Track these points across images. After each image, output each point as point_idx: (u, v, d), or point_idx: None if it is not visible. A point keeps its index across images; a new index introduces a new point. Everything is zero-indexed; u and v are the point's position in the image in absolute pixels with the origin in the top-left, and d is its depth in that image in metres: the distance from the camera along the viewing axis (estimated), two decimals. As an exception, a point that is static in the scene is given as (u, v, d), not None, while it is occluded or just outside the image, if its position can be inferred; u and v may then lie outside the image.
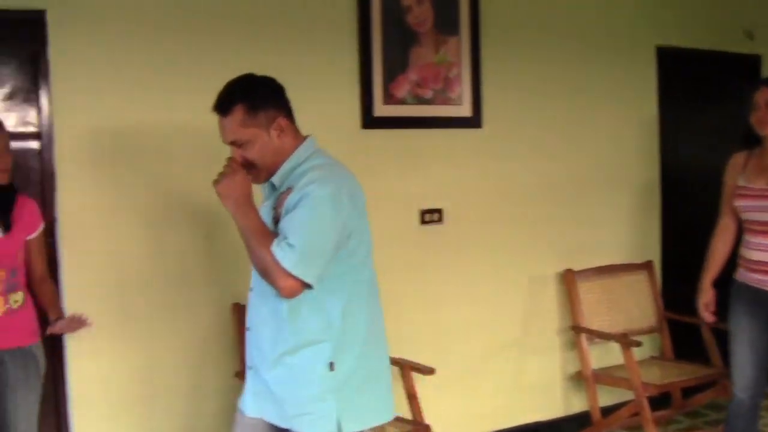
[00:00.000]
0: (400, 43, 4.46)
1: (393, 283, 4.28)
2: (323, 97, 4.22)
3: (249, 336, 2.75)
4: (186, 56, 3.92)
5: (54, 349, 3.70)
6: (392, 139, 4.48)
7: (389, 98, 4.43)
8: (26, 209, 3.31)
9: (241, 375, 4.01)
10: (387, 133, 4.45)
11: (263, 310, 2.68)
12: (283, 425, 2.66)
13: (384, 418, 2.75)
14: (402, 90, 4.47)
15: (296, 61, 4.14)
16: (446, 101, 4.60)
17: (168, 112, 3.88)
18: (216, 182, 2.65)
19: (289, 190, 2.58)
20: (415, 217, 4.57)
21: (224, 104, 2.60)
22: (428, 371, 4.16)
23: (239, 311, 3.99)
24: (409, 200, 4.54)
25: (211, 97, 3.75)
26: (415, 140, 4.54)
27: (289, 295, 2.53)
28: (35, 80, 3.69)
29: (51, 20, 3.65)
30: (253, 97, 2.61)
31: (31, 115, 3.71)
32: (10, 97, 3.67)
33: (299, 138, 2.69)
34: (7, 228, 3.20)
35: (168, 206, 3.90)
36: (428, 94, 4.54)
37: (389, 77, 4.43)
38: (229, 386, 4.04)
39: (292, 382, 2.62)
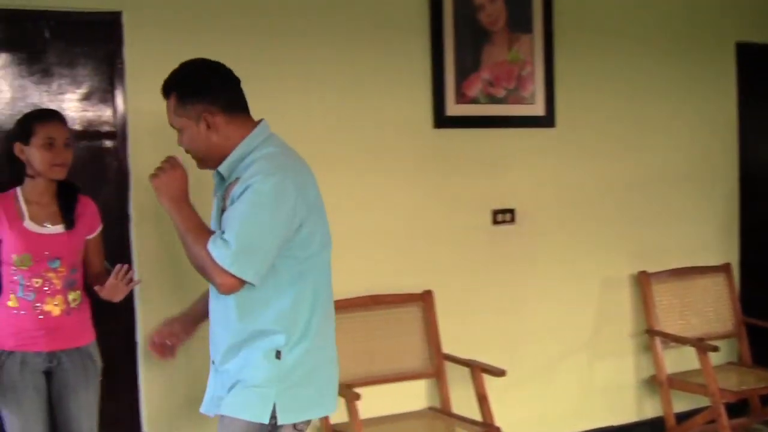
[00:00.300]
0: (473, 41, 4.41)
1: (464, 283, 4.41)
2: (395, 97, 4.21)
3: (210, 331, 2.71)
4: (259, 57, 3.91)
5: (127, 347, 3.74)
6: (464, 138, 4.42)
7: (461, 97, 4.38)
8: (87, 209, 3.32)
9: None
10: (459, 133, 4.40)
11: (216, 306, 2.63)
12: (221, 411, 2.58)
13: (322, 412, 2.69)
14: (474, 89, 4.42)
15: (368, 61, 4.15)
16: (519, 100, 4.53)
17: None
18: (152, 176, 2.61)
19: (237, 180, 2.50)
20: (487, 218, 4.51)
21: (163, 89, 2.57)
22: (499, 373, 4.10)
23: None
24: (481, 200, 4.48)
25: (287, 99, 3.94)
26: (487, 140, 4.48)
27: (226, 292, 2.45)
28: (111, 80, 3.73)
29: (127, 21, 3.68)
30: (184, 88, 2.54)
31: (107, 114, 3.73)
32: (86, 97, 3.71)
33: (247, 127, 2.57)
34: (71, 225, 3.20)
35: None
36: (501, 93, 4.48)
37: (461, 76, 4.37)
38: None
39: (240, 370, 2.54)
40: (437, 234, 4.36)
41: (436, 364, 4.26)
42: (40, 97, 3.62)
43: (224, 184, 2.56)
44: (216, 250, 2.40)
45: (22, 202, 3.17)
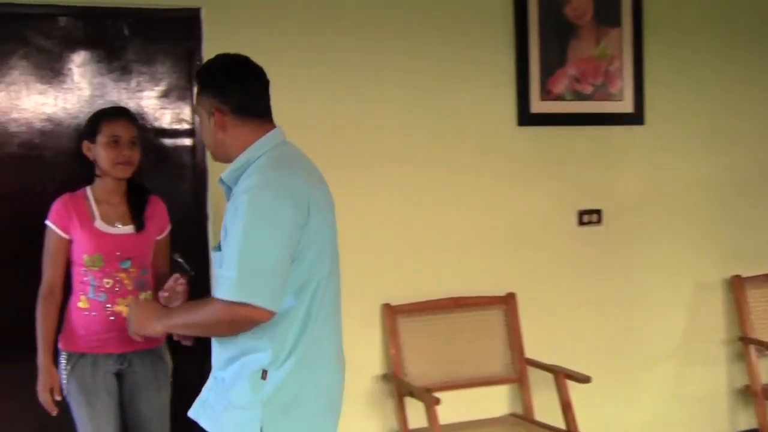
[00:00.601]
0: (558, 36, 4.28)
1: (548, 285, 4.30)
2: (478, 94, 4.12)
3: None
4: (342, 54, 3.87)
5: (199, 348, 3.64)
6: (549, 136, 4.30)
7: (546, 94, 4.25)
8: (157, 209, 3.29)
9: (388, 378, 3.96)
10: (543, 131, 4.27)
11: None
12: (207, 426, 2.44)
13: None
14: (560, 85, 4.28)
15: (449, 56, 4.06)
16: (606, 97, 4.38)
17: (325, 109, 3.83)
18: (129, 328, 2.54)
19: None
20: (573, 219, 4.37)
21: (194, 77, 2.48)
22: (584, 379, 3.97)
23: (389, 312, 3.93)
24: (566, 200, 4.35)
25: (370, 96, 3.88)
26: (573, 138, 4.34)
27: (248, 326, 2.27)
28: (189, 77, 3.69)
29: (206, 18, 3.64)
30: (203, 79, 2.48)
31: (185, 112, 3.72)
32: (165, 94, 3.69)
33: (257, 134, 2.42)
34: (141, 226, 3.17)
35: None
36: (587, 89, 4.34)
37: (546, 72, 4.25)
38: (374, 388, 3.97)
39: (229, 387, 2.39)
40: (521, 235, 4.26)
41: (518, 369, 4.16)
42: (119, 95, 3.62)
43: (230, 191, 2.45)
44: (219, 290, 2.26)
45: (92, 201, 3.15)
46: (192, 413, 2.48)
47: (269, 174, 2.30)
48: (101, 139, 3.11)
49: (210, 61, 2.52)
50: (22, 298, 3.15)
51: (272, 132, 2.43)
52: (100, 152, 3.11)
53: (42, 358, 3.07)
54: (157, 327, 2.45)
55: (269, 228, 2.23)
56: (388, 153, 3.94)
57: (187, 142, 3.73)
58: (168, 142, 3.68)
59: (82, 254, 3.09)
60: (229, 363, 2.37)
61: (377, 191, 3.96)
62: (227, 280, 2.21)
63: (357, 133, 3.89)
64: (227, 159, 2.45)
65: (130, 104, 3.57)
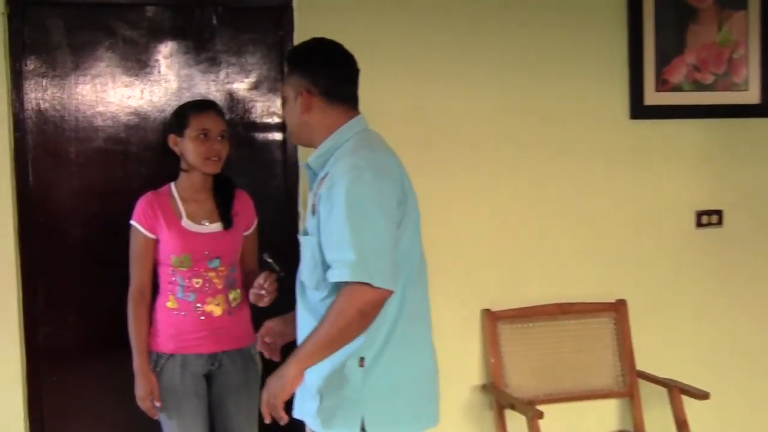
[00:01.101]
0: (676, 21, 3.96)
1: (662, 292, 4.05)
2: (587, 84, 3.86)
3: (296, 334, 2.53)
4: (442, 43, 3.69)
5: (292, 347, 3.49)
6: (664, 130, 3.99)
7: (662, 84, 3.95)
8: (243, 204, 3.21)
9: (487, 388, 3.76)
10: (658, 124, 3.97)
11: (301, 308, 2.47)
12: (310, 423, 2.43)
13: (418, 427, 2.47)
14: (677, 75, 3.97)
15: (552, 43, 3.81)
16: (729, 87, 4.04)
17: (417, 104, 3.67)
18: (267, 405, 2.37)
19: (327, 176, 2.36)
20: (690, 219, 4.06)
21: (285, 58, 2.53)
22: (701, 395, 3.71)
23: (489, 318, 3.75)
24: (683, 200, 4.05)
25: (475, 85, 3.71)
26: (691, 131, 4.03)
27: (369, 307, 2.22)
28: (280, 69, 3.57)
29: (297, 6, 3.53)
30: (295, 58, 2.50)
31: (276, 105, 3.60)
32: (255, 86, 3.58)
33: (343, 119, 2.44)
34: (229, 224, 3.10)
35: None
36: (708, 78, 4.01)
37: (663, 61, 3.94)
38: (472, 399, 3.80)
39: (324, 376, 2.36)
40: (633, 238, 3.97)
41: (628, 383, 3.90)
42: (207, 87, 3.53)
43: (317, 178, 2.45)
44: (332, 274, 2.24)
45: (177, 199, 3.09)
46: (296, 413, 2.47)
47: (365, 154, 2.31)
48: (190, 132, 3.04)
49: (304, 43, 2.54)
50: (113, 298, 3.14)
51: (358, 117, 2.46)
52: (188, 146, 3.05)
53: (139, 363, 3.04)
54: (290, 370, 2.31)
55: (377, 208, 2.23)
56: (487, 148, 3.76)
57: (277, 136, 3.61)
58: (258, 136, 3.59)
59: (169, 255, 3.05)
60: None
61: (478, 189, 3.78)
62: (344, 262, 2.19)
63: (454, 129, 3.71)
64: (308, 142, 2.48)
65: (219, 97, 3.50)
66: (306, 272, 2.41)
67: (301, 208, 3.57)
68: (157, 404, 3.03)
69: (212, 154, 3.04)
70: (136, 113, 3.46)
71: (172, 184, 3.12)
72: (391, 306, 2.31)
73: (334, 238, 2.24)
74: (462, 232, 3.73)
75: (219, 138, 3.06)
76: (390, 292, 2.21)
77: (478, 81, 3.74)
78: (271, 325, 2.70)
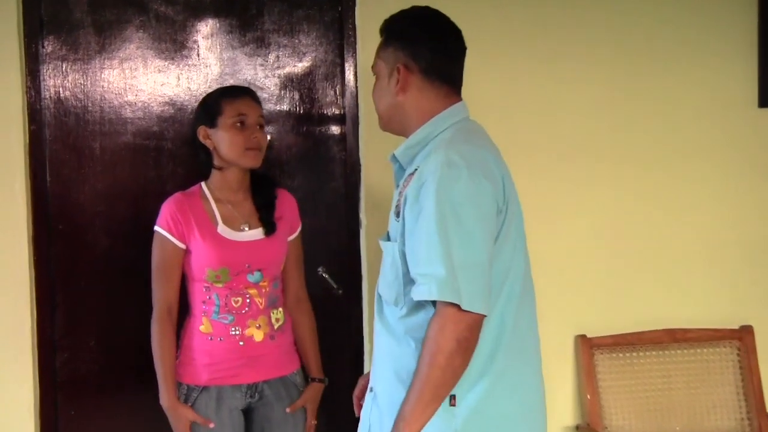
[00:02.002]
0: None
1: None
2: (705, 68, 3.51)
3: (373, 356, 2.34)
4: (536, 20, 3.37)
5: (352, 372, 3.29)
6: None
7: (797, 69, 3.52)
8: (286, 205, 2.92)
9: (582, 431, 3.41)
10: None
11: (380, 330, 2.25)
12: None
13: None
14: (814, 57, 3.52)
15: (668, 22, 3.46)
16: None
17: (502, 90, 3.35)
18: None
19: (416, 172, 2.15)
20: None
21: (382, 24, 2.33)
22: (844, 443, 3.27)
23: (585, 345, 3.43)
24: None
25: (575, 72, 3.39)
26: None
27: (460, 336, 1.99)
28: (340, 51, 3.28)
29: (360, -23, 3.25)
30: (393, 27, 2.29)
31: (334, 93, 3.30)
32: (310, 71, 3.26)
33: (443, 104, 2.23)
34: (272, 228, 2.82)
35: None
36: None
37: (797, 41, 3.52)
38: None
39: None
40: (761, 252, 3.58)
41: (756, 426, 3.47)
42: (254, 72, 3.23)
43: (403, 173, 2.27)
44: (417, 290, 2.03)
45: (211, 201, 2.81)
46: None
47: (462, 149, 2.10)
48: (224, 121, 2.76)
49: (403, 11, 2.33)
50: (143, 319, 2.84)
51: (459, 104, 2.26)
52: (223, 137, 2.77)
53: (167, 398, 2.75)
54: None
55: (472, 215, 2.03)
56: (584, 146, 3.44)
57: (336, 130, 3.29)
58: (314, 130, 3.29)
59: (204, 268, 2.75)
60: (400, 383, 2.13)
61: (574, 193, 3.46)
62: (431, 278, 2.00)
63: (546, 123, 3.40)
64: (400, 129, 2.29)
65: (268, 83, 3.23)
66: (384, 284, 2.20)
67: (363, 214, 3.28)
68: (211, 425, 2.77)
69: (251, 144, 2.76)
70: (171, 103, 3.15)
71: (203, 184, 2.85)
72: (488, 333, 2.09)
73: (421, 248, 2.03)
74: (553, 242, 3.36)
75: (257, 126, 2.79)
76: (482, 317, 2.01)
77: (579, 67, 3.41)
78: (365, 383, 2.45)
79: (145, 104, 3.13)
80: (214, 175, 2.82)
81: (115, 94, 3.12)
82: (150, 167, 3.14)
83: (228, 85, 3.09)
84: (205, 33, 3.15)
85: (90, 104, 3.10)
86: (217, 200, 2.80)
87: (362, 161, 3.25)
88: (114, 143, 3.11)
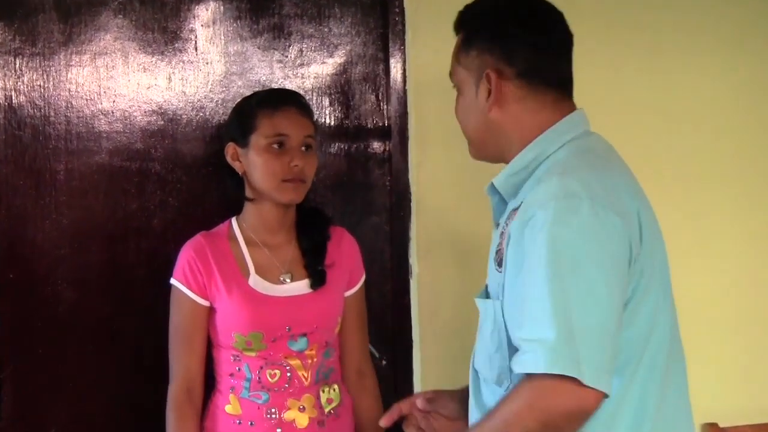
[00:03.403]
0: None
1: None
2: None
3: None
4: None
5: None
6: None
7: None
8: (344, 248, 2.55)
9: None
10: None
11: (474, 408, 2.00)
12: None
13: None
14: None
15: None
16: None
17: (636, 82, 2.91)
18: None
19: (522, 206, 1.91)
20: None
21: (455, 21, 2.02)
22: None
23: None
24: None
25: (722, 56, 3.00)
26: None
27: (575, 418, 1.69)
28: (383, 43, 2.79)
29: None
30: (474, 23, 1.96)
31: (375, 99, 2.83)
32: (343, 69, 2.79)
33: (553, 114, 1.91)
34: (322, 280, 2.45)
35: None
36: None
37: None
38: None
39: None
40: None
41: None
42: (271, 71, 2.75)
43: (505, 208, 1.98)
44: (519, 361, 1.71)
45: (242, 244, 2.44)
46: None
47: (582, 174, 1.79)
48: (257, 140, 2.39)
49: (482, 2, 2.06)
50: (125, 395, 2.56)
51: (575, 114, 1.95)
52: (254, 162, 2.40)
53: None
54: None
55: (595, 260, 1.72)
56: (708, 163, 2.99)
57: (378, 147, 2.83)
58: (348, 148, 2.86)
59: (230, 332, 2.42)
60: None
61: (689, 228, 2.94)
62: (539, 344, 1.69)
63: (661, 133, 2.93)
64: (497, 154, 2.00)
65: (288, 86, 2.76)
66: (483, 357, 1.92)
67: (414, 260, 2.77)
68: None
69: (291, 173, 2.38)
70: (161, 112, 2.66)
71: (233, 221, 2.49)
72: (621, 420, 1.81)
73: (526, 306, 1.75)
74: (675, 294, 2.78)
75: (302, 149, 2.40)
76: (604, 396, 1.70)
77: (726, 50, 2.98)
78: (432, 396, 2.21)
79: (126, 113, 2.63)
80: (247, 208, 2.45)
81: (85, 99, 2.61)
82: (132, 197, 2.63)
83: (242, 88, 2.62)
84: (206, 19, 2.65)
85: (52, 113, 2.59)
86: (249, 242, 2.46)
87: (413, 189, 2.76)
88: (84, 165, 2.61)
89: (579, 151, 1.88)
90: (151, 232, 2.57)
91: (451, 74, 2.00)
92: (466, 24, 2.00)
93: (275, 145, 2.36)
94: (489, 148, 1.99)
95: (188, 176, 2.65)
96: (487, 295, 1.94)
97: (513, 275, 1.79)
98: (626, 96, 2.93)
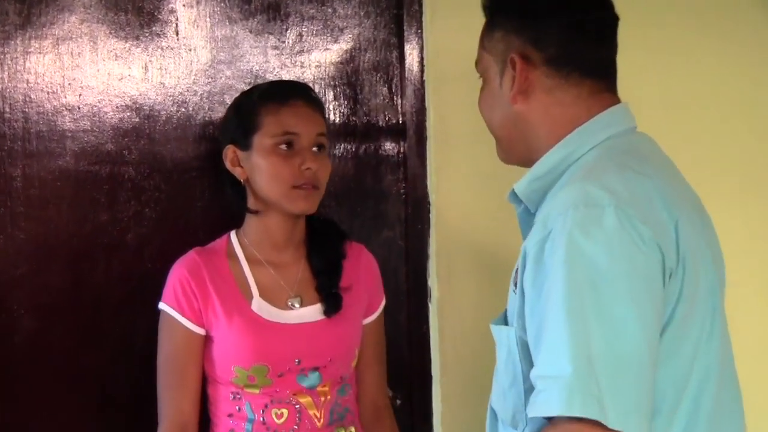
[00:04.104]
0: None
1: None
2: None
3: None
4: None
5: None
6: None
7: None
8: (362, 267, 2.35)
9: None
10: None
11: None
12: None
13: None
14: None
15: None
16: None
17: (686, 75, 2.70)
18: None
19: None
20: None
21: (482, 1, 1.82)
22: None
23: None
24: None
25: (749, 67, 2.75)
26: None
27: None
28: (397, 27, 2.57)
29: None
30: (497, 3, 1.78)
31: (387, 91, 2.60)
32: (350, 58, 2.57)
33: (590, 109, 1.67)
34: (337, 305, 2.24)
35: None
36: None
37: None
38: None
39: None
40: None
41: None
42: (265, 59, 2.52)
43: (531, 218, 1.74)
44: (536, 402, 1.48)
45: (243, 262, 2.25)
46: None
47: (607, 179, 1.54)
48: (262, 140, 2.21)
49: None
50: None
51: (615, 109, 1.68)
52: (259, 166, 2.22)
53: None
54: None
55: (618, 280, 1.48)
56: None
57: (391, 149, 2.61)
58: (357, 149, 2.64)
59: (230, 365, 2.23)
60: None
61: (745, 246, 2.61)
62: (553, 381, 1.47)
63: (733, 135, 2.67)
64: (525, 154, 1.75)
65: (285, 76, 2.54)
66: (499, 394, 1.74)
67: (433, 281, 2.56)
68: None
69: (303, 178, 2.19)
70: (136, 107, 2.41)
71: (233, 235, 2.30)
72: None
73: (542, 336, 1.51)
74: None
75: (314, 149, 2.21)
76: None
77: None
78: None
79: (95, 109, 2.37)
80: (250, 222, 2.25)
81: (47, 93, 2.36)
82: (101, 207, 2.37)
83: (230, 78, 2.41)
84: (188, -1, 2.39)
85: (8, 109, 2.32)
86: (251, 260, 2.26)
87: (432, 197, 2.53)
88: (45, 169, 2.35)
89: (613, 153, 1.64)
90: (124, 248, 2.33)
91: (477, 61, 1.80)
92: (492, 1, 1.83)
93: (283, 146, 2.16)
94: (518, 147, 1.78)
95: (168, 183, 2.39)
96: (505, 321, 1.75)
97: (533, 300, 1.56)
98: (676, 88, 2.65)
